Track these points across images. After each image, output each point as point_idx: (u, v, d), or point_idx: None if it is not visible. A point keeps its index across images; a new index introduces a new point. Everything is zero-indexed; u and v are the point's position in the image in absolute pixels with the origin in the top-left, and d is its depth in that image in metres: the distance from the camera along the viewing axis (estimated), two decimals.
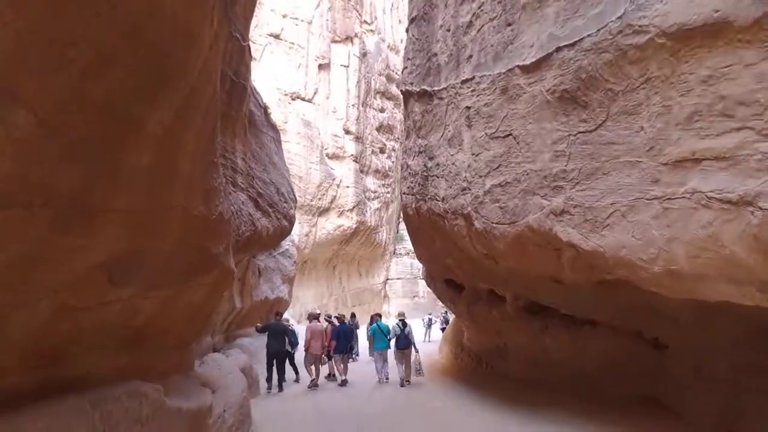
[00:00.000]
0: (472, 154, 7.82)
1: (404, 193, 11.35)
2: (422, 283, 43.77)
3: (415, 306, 41.90)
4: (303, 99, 30.48)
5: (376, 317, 14.88)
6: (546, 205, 6.25)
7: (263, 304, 15.65)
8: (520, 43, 6.85)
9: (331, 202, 32.25)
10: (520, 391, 9.98)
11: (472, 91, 7.91)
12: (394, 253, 46.43)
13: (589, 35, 5.54)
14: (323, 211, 31.80)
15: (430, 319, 27.65)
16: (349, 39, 34.72)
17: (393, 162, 42.44)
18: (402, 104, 12.87)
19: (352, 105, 34.73)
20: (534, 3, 6.62)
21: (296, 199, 16.22)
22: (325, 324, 14.50)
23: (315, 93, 31.46)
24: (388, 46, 42.10)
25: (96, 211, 3.52)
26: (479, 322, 12.19)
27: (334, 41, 33.29)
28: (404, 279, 45.61)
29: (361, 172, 36.41)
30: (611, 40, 5.23)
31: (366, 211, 36.42)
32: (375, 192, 38.86)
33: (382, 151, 40.35)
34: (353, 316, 19.99)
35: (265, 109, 14.32)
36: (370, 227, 37.44)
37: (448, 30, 8.95)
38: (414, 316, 33.99)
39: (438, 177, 9.06)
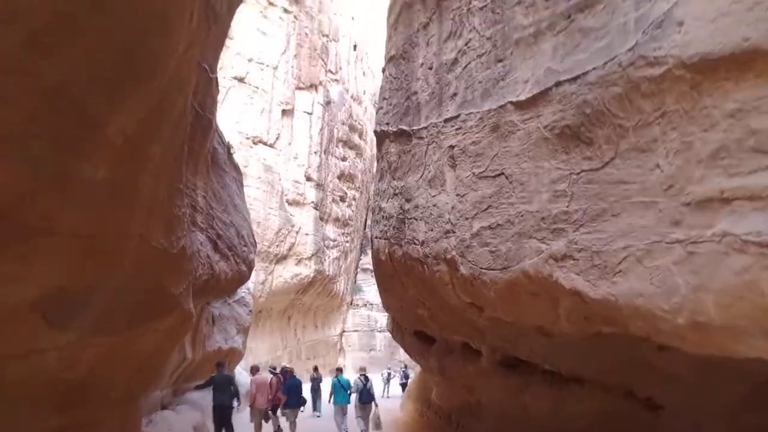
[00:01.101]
0: (457, 195, 7.34)
1: (376, 237, 10.74)
2: (380, 336, 42.73)
3: (371, 360, 40.60)
4: (265, 143, 29.91)
5: (337, 371, 14.80)
6: (545, 249, 5.75)
7: (216, 354, 14.54)
8: (513, 79, 6.51)
9: (290, 249, 31.28)
10: None
11: (457, 129, 7.51)
12: (351, 304, 45.33)
13: (594, 68, 5.21)
14: (281, 259, 30.75)
15: (389, 374, 26.63)
16: (313, 86, 34.65)
17: (353, 211, 42.00)
18: (376, 146, 12.45)
19: (315, 152, 34.36)
20: (529, 38, 6.31)
21: (256, 244, 15.41)
22: (269, 376, 13.98)
23: (277, 138, 30.97)
24: (352, 97, 42.37)
25: (34, 231, 2.77)
26: (451, 378, 11.47)
27: (298, 88, 33.13)
28: (361, 331, 44.43)
29: (321, 219, 35.74)
30: (621, 73, 4.89)
31: (324, 259, 35.55)
32: (334, 240, 38.15)
33: (342, 199, 39.93)
34: (316, 369, 19.09)
35: (228, 148, 13.71)
36: (328, 277, 36.48)
37: (430, 68, 8.63)
38: (371, 370, 32.83)
39: (417, 219, 8.52)
